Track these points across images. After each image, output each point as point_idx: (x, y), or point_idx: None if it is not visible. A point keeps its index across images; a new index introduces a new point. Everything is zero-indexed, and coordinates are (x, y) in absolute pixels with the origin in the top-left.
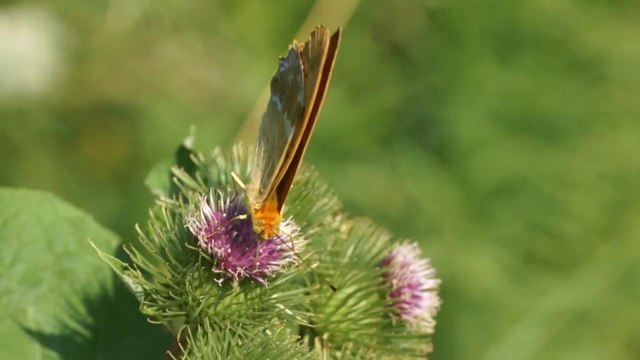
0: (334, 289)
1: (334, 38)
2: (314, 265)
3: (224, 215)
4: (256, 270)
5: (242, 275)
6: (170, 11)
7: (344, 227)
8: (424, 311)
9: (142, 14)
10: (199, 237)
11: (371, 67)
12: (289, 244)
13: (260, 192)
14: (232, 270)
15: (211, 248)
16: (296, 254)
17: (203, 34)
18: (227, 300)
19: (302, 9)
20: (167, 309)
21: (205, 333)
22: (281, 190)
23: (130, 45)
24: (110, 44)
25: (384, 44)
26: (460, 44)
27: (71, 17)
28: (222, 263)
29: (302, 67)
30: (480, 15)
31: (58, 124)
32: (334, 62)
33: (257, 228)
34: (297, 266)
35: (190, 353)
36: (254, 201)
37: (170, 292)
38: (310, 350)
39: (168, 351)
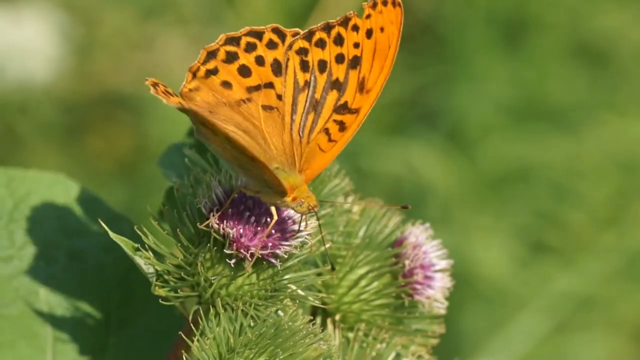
0: (333, 268)
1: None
2: (326, 246)
3: (236, 195)
4: (269, 251)
5: (254, 255)
6: (174, 3)
7: (356, 208)
8: (436, 292)
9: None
10: (211, 218)
11: None
12: (302, 224)
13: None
14: (244, 250)
15: (223, 229)
16: (308, 235)
17: (207, 26)
18: (240, 281)
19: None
20: (179, 290)
21: (217, 314)
22: None
23: (135, 37)
24: (115, 36)
25: None
26: (467, 33)
27: (76, 8)
28: (234, 244)
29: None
30: (486, 3)
31: (63, 115)
32: None
33: (300, 209)
34: (310, 247)
35: (202, 334)
36: (280, 199)
37: (182, 273)
38: (322, 331)
39: (180, 332)
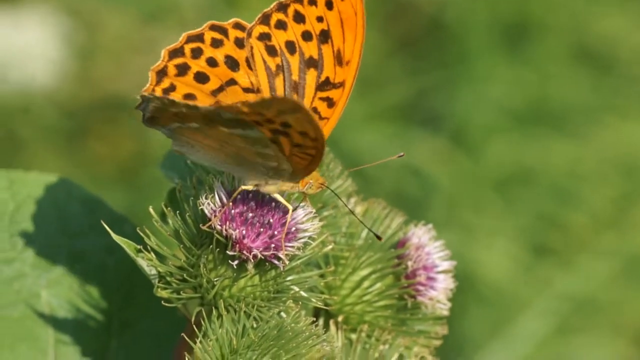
0: (379, 238)
1: None
2: (329, 247)
3: (238, 197)
4: (271, 252)
5: (257, 257)
6: (175, 6)
7: (359, 209)
8: (439, 293)
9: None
10: (213, 219)
11: (379, 62)
12: (304, 225)
13: (289, 179)
14: (247, 252)
15: (226, 230)
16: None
17: None
18: (242, 282)
19: None
20: (181, 292)
21: (220, 315)
22: None
23: (136, 41)
24: (117, 40)
25: (391, 39)
26: (469, 36)
27: (78, 12)
28: (237, 245)
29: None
30: (489, 7)
31: (65, 119)
32: None
33: (311, 190)
34: (312, 248)
35: (205, 335)
36: (290, 185)
37: (184, 275)
38: (325, 332)
39: (182, 334)
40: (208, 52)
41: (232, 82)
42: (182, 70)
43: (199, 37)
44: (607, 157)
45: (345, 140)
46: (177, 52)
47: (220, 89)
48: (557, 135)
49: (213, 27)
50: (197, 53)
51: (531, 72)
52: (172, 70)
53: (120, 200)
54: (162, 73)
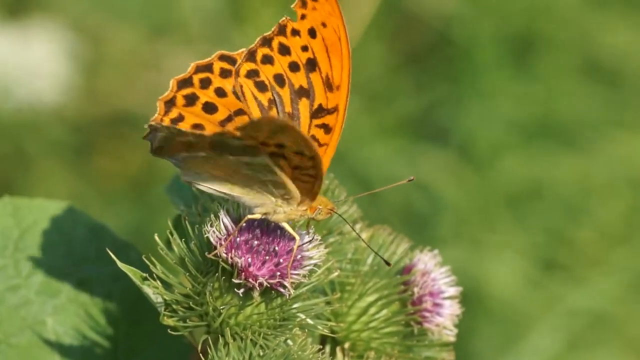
0: (388, 264)
1: None
2: (335, 274)
3: (244, 224)
4: (277, 280)
5: (263, 285)
6: (182, 21)
7: (364, 235)
8: (445, 319)
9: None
10: (219, 247)
11: (387, 77)
12: (309, 252)
13: (299, 204)
14: (252, 280)
15: (231, 258)
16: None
17: (215, 45)
18: (248, 310)
19: None
20: (187, 320)
21: (226, 343)
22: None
23: (143, 56)
24: (124, 55)
25: (399, 54)
26: (476, 51)
27: (84, 28)
28: (243, 273)
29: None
30: (496, 22)
31: (72, 135)
32: None
33: (320, 216)
34: (318, 275)
35: None
36: (299, 212)
37: (190, 303)
38: (332, 359)
39: None
40: (217, 82)
41: (240, 112)
42: (191, 100)
43: (208, 67)
44: (617, 172)
45: (353, 155)
46: (185, 82)
47: (229, 119)
48: (566, 150)
49: (222, 57)
50: (205, 83)
51: (539, 87)
52: (180, 101)
53: (129, 216)
54: (170, 103)
